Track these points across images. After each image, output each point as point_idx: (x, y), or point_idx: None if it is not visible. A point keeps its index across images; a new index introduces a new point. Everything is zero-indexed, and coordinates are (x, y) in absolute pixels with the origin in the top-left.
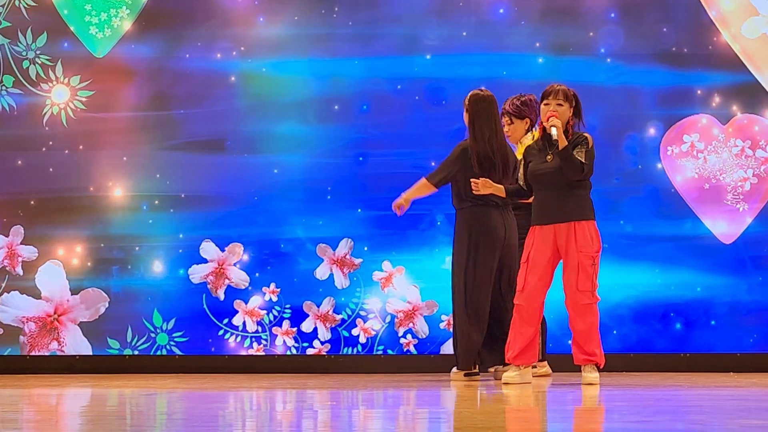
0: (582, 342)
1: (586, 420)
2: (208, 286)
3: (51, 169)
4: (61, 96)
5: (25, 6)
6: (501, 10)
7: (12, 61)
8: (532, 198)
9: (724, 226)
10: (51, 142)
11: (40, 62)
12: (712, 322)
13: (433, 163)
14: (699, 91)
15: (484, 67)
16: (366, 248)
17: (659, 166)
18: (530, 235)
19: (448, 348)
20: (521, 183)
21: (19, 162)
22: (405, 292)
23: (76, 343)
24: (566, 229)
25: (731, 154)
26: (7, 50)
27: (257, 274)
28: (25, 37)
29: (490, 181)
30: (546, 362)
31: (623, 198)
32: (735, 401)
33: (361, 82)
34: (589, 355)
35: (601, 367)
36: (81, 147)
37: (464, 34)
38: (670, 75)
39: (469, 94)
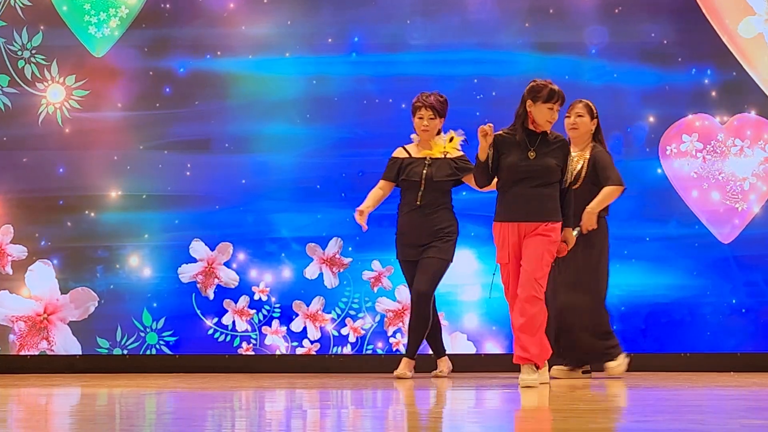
0: (523, 337)
1: (586, 420)
2: (198, 286)
3: (44, 169)
4: (56, 95)
5: (21, 5)
6: (487, 8)
7: (7, 61)
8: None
9: (723, 226)
10: (45, 142)
11: (35, 62)
12: (719, 318)
13: None
14: (696, 91)
15: (471, 66)
16: (350, 248)
17: (650, 164)
18: (503, 232)
19: None
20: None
21: (14, 161)
22: (394, 291)
23: (65, 343)
24: (536, 227)
25: (730, 153)
26: (2, 49)
27: (247, 274)
28: (21, 37)
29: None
30: (446, 357)
31: None
32: (735, 401)
33: (347, 81)
34: (536, 354)
35: (540, 368)
36: (75, 146)
37: (449, 32)
38: (665, 74)
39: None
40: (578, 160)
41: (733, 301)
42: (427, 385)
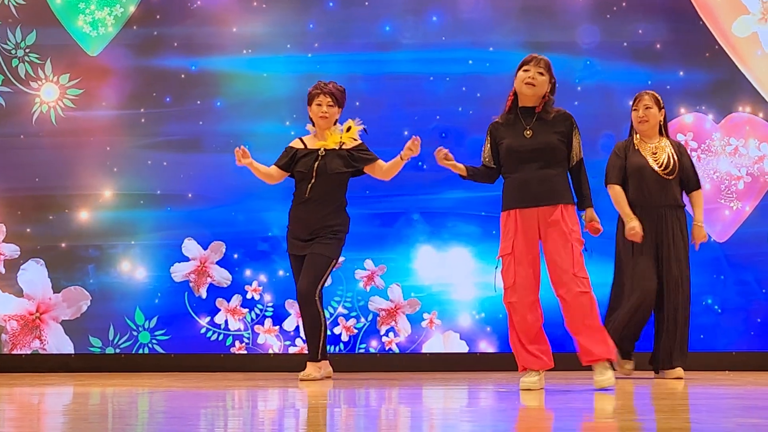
0: (586, 339)
1: (581, 419)
2: (190, 285)
3: (37, 167)
4: (50, 94)
5: (15, 4)
6: (479, 7)
7: (1, 59)
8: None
9: (718, 225)
10: (39, 141)
11: (29, 60)
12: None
13: (420, 163)
14: (689, 90)
15: (463, 65)
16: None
17: None
18: (508, 221)
19: (429, 346)
20: (487, 162)
21: (7, 160)
22: (387, 290)
23: (58, 342)
24: (552, 211)
25: (725, 152)
26: None
27: (239, 273)
28: (14, 35)
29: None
30: (327, 361)
31: (597, 196)
32: (731, 399)
33: (339, 80)
34: (594, 353)
35: (615, 362)
36: (69, 145)
37: (441, 31)
38: (658, 73)
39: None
40: (661, 151)
41: (722, 301)
42: (419, 384)
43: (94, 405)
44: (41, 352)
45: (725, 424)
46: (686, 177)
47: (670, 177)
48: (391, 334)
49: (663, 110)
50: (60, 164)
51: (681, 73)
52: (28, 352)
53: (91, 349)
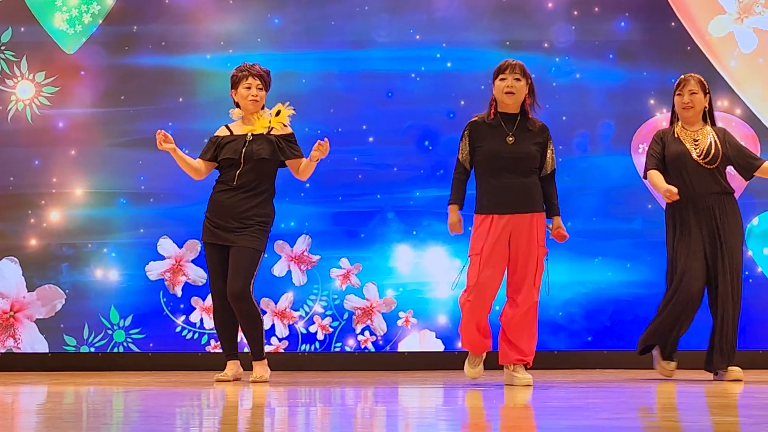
0: (521, 341)
1: (559, 417)
2: (165, 283)
3: (12, 165)
4: (25, 92)
5: None
6: (454, 5)
7: None
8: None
9: None
10: (14, 138)
11: (4, 58)
12: None
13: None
14: (666, 89)
15: (437, 63)
16: (319, 246)
17: (616, 161)
18: (482, 225)
19: (405, 345)
20: (465, 162)
21: None
22: (363, 288)
23: (32, 340)
24: (527, 220)
25: None
26: None
27: None
28: None
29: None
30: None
31: (573, 195)
32: (707, 398)
33: (314, 78)
34: (525, 355)
35: (529, 367)
36: (44, 143)
37: (416, 29)
38: (633, 73)
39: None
40: (703, 139)
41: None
42: (395, 383)
43: (69, 404)
44: (15, 350)
45: (702, 423)
46: (742, 159)
47: (711, 166)
48: (366, 332)
49: (708, 95)
50: (35, 162)
51: (656, 72)
52: (2, 350)
53: (66, 347)
